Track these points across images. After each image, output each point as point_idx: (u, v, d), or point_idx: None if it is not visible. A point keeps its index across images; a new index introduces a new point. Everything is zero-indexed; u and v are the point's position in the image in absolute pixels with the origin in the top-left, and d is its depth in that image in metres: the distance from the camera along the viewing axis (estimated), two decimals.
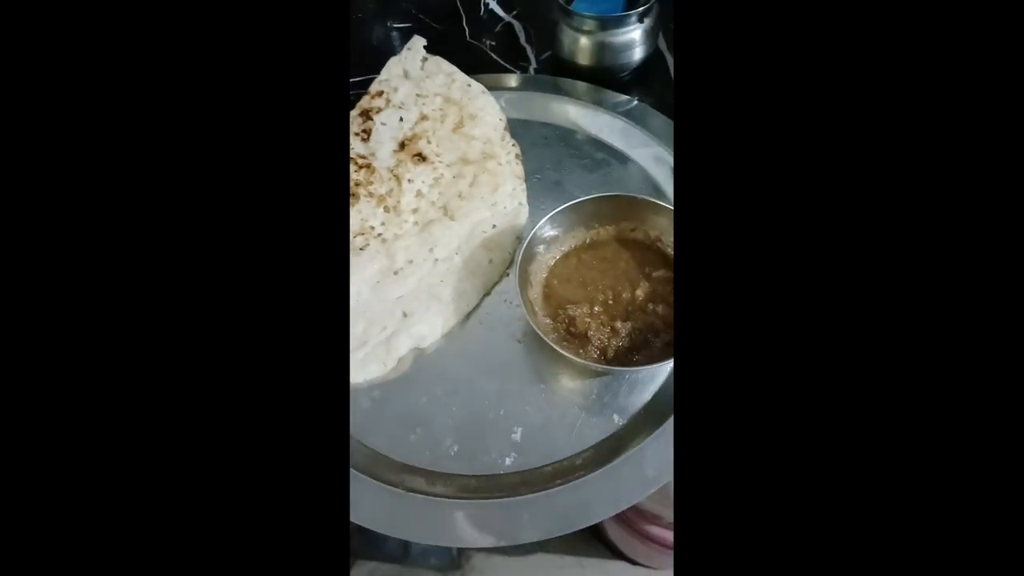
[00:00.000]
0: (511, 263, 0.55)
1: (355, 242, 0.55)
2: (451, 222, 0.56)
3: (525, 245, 0.50)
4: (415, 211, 0.57)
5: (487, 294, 0.54)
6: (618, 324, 0.48)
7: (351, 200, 0.56)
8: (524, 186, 0.59)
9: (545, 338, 0.46)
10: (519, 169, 0.60)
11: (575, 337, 0.48)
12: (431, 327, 0.52)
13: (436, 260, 0.55)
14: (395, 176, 0.58)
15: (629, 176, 0.61)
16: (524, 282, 0.50)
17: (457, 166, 0.59)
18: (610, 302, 0.50)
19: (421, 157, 0.59)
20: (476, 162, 0.59)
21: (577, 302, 0.49)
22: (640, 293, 0.50)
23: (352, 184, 0.57)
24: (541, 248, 0.52)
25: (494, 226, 0.57)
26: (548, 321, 0.49)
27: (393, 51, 0.69)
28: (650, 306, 0.49)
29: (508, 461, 0.45)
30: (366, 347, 0.51)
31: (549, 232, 0.52)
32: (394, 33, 0.80)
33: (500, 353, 0.50)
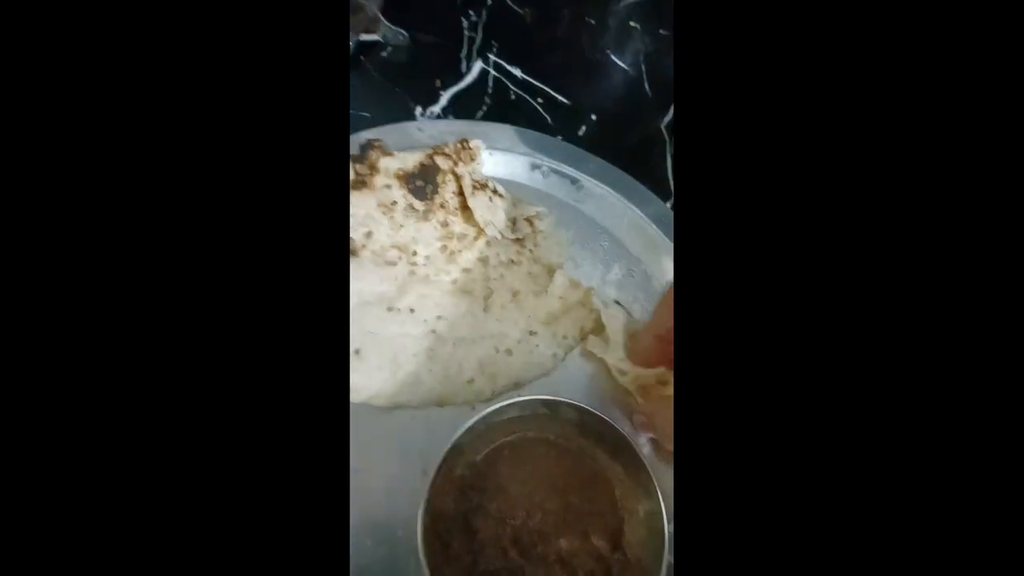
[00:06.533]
0: (485, 400, 0.47)
1: (388, 254, 0.49)
2: (480, 312, 0.48)
3: (492, 410, 0.41)
4: (466, 271, 0.50)
5: (437, 405, 0.46)
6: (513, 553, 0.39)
7: (424, 214, 0.50)
8: (579, 346, 0.49)
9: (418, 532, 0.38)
10: (595, 322, 0.50)
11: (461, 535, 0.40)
12: (367, 383, 0.45)
13: (433, 331, 0.48)
14: (482, 227, 0.51)
15: None
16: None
17: (540, 270, 0.50)
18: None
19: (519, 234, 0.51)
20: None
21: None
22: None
23: (437, 200, 0.50)
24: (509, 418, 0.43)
25: (509, 352, 0.48)
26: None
27: None
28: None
29: None
30: None
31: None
32: None
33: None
